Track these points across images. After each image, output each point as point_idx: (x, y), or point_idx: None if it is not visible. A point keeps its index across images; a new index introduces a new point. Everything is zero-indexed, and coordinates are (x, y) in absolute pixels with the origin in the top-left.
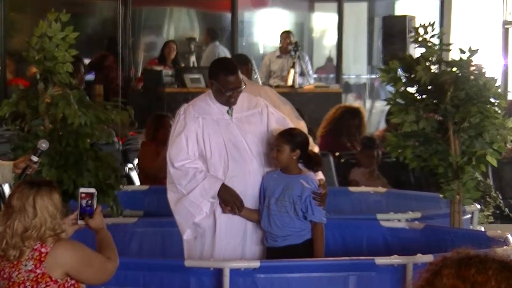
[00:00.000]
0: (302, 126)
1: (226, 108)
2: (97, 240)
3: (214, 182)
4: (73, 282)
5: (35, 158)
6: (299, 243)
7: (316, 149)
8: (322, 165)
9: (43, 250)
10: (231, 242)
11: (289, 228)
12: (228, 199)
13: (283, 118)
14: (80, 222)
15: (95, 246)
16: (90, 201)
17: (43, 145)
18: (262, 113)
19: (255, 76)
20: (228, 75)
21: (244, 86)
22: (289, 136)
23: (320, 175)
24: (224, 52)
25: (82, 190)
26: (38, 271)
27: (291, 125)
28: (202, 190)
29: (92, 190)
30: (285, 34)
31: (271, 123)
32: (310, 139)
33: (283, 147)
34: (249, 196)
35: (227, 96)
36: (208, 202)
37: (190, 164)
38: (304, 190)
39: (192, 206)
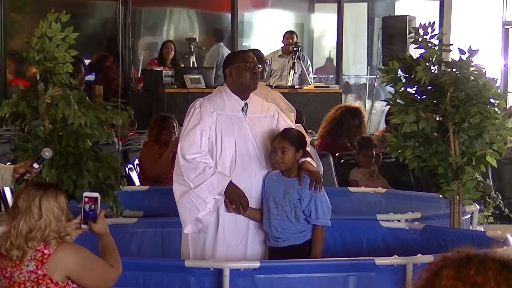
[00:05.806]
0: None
1: (242, 104)
2: (101, 245)
3: (222, 179)
4: (74, 286)
5: (36, 165)
6: (300, 243)
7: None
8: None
9: (45, 251)
10: (233, 241)
11: (289, 232)
12: (234, 198)
13: (290, 126)
14: (83, 226)
15: (96, 250)
16: (93, 206)
17: (47, 153)
18: (274, 118)
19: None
20: (246, 52)
21: (261, 67)
22: (293, 137)
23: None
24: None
25: (85, 194)
26: (39, 272)
27: None
28: (210, 185)
29: (96, 194)
30: (289, 34)
31: (279, 129)
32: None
33: (288, 149)
34: (253, 196)
35: (251, 70)
36: (214, 198)
37: (201, 158)
38: (303, 193)
39: (198, 200)
